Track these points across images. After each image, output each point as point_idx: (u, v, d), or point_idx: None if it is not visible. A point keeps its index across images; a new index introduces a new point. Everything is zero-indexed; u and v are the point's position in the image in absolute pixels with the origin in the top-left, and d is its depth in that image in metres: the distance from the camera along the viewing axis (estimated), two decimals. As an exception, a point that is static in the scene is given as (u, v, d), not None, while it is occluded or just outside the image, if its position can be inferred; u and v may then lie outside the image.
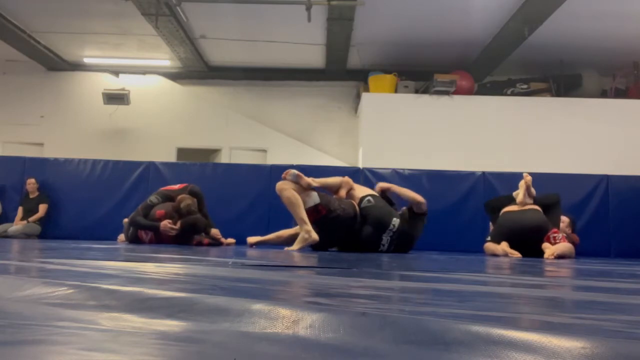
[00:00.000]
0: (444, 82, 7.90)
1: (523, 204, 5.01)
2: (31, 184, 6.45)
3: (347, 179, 4.61)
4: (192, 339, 0.66)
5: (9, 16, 7.40)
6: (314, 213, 4.20)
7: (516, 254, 4.70)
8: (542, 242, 4.74)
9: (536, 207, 5.00)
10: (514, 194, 5.15)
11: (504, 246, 4.85)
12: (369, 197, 4.41)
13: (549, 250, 4.60)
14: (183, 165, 6.84)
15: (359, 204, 4.38)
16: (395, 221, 4.33)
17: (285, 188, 4.17)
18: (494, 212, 5.25)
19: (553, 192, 5.29)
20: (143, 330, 0.70)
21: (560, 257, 4.50)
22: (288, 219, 4.68)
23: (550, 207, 5.07)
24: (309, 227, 4.07)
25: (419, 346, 0.63)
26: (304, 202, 4.22)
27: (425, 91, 8.26)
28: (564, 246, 4.69)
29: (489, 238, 5.10)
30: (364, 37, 7.76)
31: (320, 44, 8.02)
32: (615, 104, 8.07)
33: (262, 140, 9.00)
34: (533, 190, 5.09)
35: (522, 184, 5.08)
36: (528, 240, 4.74)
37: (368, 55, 8.48)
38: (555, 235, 4.78)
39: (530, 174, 5.27)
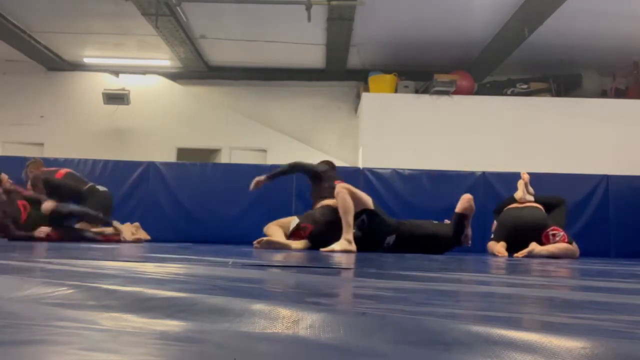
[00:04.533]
0: (444, 82, 7.89)
1: (523, 200, 5.06)
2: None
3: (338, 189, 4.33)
4: (192, 339, 0.66)
5: (9, 16, 7.40)
6: (299, 232, 4.41)
7: (504, 254, 4.73)
8: (541, 238, 4.73)
9: (536, 204, 5.02)
10: (515, 194, 5.19)
11: (498, 247, 4.87)
12: (363, 218, 4.33)
13: (526, 249, 4.60)
14: (183, 165, 6.84)
15: (356, 217, 4.29)
16: (390, 239, 4.34)
17: (341, 192, 4.22)
18: (499, 213, 5.27)
19: (555, 193, 5.31)
20: (143, 330, 0.70)
21: (551, 257, 4.50)
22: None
23: (553, 206, 5.09)
24: (351, 236, 4.13)
25: (419, 346, 0.63)
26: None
27: (425, 91, 8.26)
28: (555, 246, 4.66)
29: (492, 236, 5.11)
30: (364, 37, 7.76)
31: (320, 44, 8.02)
32: (615, 104, 8.07)
33: (262, 140, 9.00)
34: (531, 189, 5.18)
35: (520, 182, 5.19)
36: (527, 237, 4.72)
37: (368, 55, 8.48)
38: (555, 232, 4.75)
39: (530, 174, 5.31)
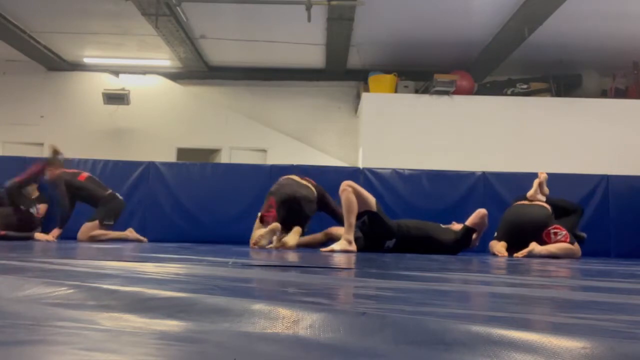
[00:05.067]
0: (444, 82, 7.89)
1: (533, 198, 5.04)
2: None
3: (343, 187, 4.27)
4: (192, 339, 0.66)
5: (9, 16, 7.39)
6: (267, 214, 4.44)
7: (504, 254, 4.70)
8: (542, 237, 4.69)
9: (544, 204, 4.97)
10: (529, 192, 5.17)
11: (499, 246, 4.84)
12: (364, 219, 4.27)
13: (526, 249, 4.57)
14: (183, 165, 6.83)
15: (357, 217, 4.23)
16: (390, 243, 4.31)
17: (346, 189, 4.16)
18: None
19: (554, 193, 5.29)
20: (143, 330, 0.70)
21: (552, 257, 4.47)
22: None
23: (567, 211, 5.05)
24: (352, 236, 4.10)
25: (419, 346, 0.63)
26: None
27: (425, 91, 8.26)
28: (556, 246, 4.62)
29: (495, 234, 5.08)
30: (364, 37, 7.76)
31: (320, 44, 8.02)
32: (615, 104, 8.07)
33: (262, 140, 9.00)
34: (546, 189, 5.14)
35: (535, 181, 5.15)
36: (527, 235, 4.67)
37: (368, 55, 8.48)
38: (557, 231, 4.70)
39: (531, 174, 5.30)
